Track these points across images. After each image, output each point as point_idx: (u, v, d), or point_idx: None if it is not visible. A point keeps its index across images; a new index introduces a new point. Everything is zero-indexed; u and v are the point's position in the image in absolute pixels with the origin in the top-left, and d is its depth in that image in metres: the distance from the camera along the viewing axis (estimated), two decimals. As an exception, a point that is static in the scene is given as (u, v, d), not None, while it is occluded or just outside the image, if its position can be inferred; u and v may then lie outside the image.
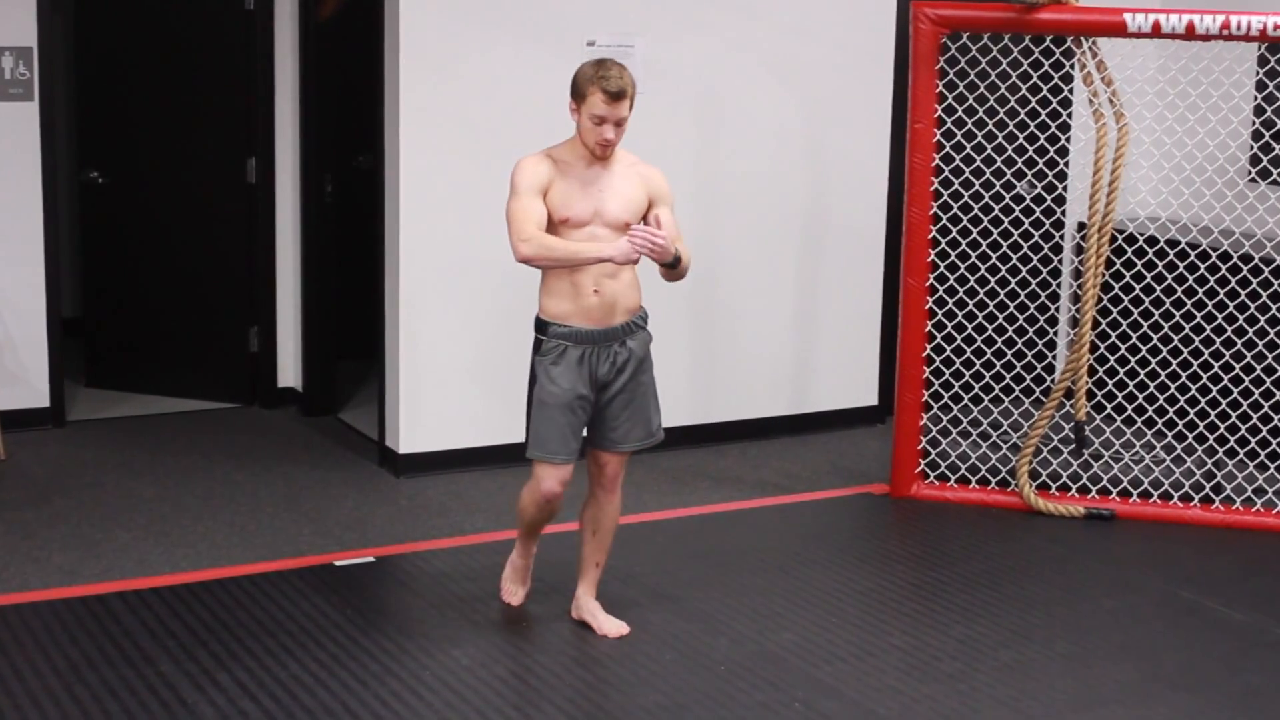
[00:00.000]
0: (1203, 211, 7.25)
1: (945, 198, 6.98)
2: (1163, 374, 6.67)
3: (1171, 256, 6.79)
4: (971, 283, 7.11)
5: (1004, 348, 6.85)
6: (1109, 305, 7.12)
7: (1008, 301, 7.02)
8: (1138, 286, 6.81)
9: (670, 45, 6.67)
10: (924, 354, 6.32)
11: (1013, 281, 7.08)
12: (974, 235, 6.86)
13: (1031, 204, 7.17)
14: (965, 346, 6.95)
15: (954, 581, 5.43)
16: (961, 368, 6.78)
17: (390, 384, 6.47)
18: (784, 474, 6.70)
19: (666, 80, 6.63)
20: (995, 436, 6.53)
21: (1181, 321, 6.90)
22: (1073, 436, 6.38)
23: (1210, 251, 6.83)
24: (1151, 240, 7.22)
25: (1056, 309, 7.78)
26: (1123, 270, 7.02)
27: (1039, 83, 6.91)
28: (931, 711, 4.40)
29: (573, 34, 6.43)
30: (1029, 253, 7.18)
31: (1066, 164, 7.52)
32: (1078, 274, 6.66)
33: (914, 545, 5.90)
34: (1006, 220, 6.91)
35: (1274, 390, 6.58)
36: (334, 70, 7.16)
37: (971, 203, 7.08)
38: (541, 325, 4.65)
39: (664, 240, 4.41)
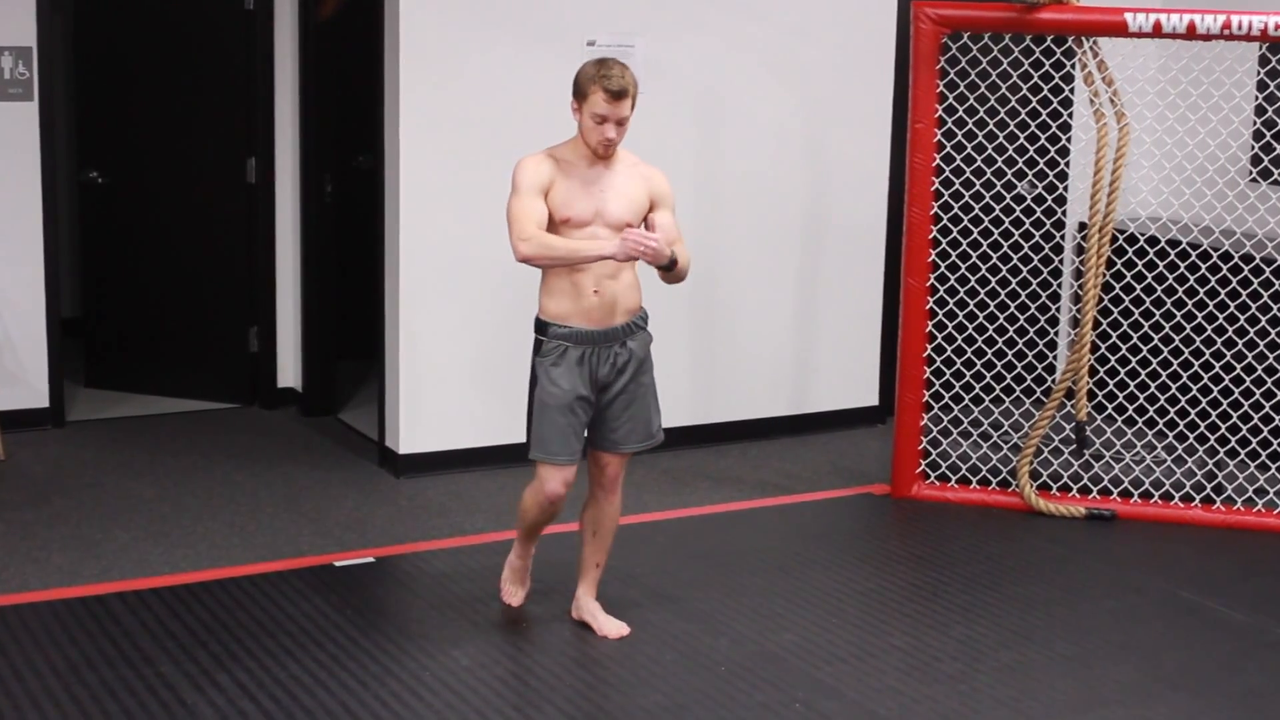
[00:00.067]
0: (1204, 211, 7.24)
1: (946, 198, 6.97)
2: (1163, 374, 6.66)
3: (1172, 256, 6.79)
4: (972, 283, 7.11)
5: (1005, 348, 6.84)
6: (1110, 305, 7.12)
7: (1008, 302, 7.02)
8: (1138, 287, 6.81)
9: (670, 45, 6.67)
10: (924, 354, 6.32)
11: (1013, 282, 7.07)
12: (975, 235, 6.86)
13: (1032, 204, 7.17)
14: (966, 347, 6.94)
15: (954, 582, 5.43)
16: (962, 368, 6.77)
17: (390, 384, 6.46)
18: (784, 474, 6.69)
19: (666, 80, 6.63)
20: (996, 437, 6.52)
21: (1182, 322, 6.90)
22: (1073, 437, 6.38)
23: (1211, 251, 6.83)
24: (1152, 240, 7.22)
25: (1057, 309, 7.77)
26: (1123, 270, 7.01)
27: (1040, 83, 6.91)
28: (932, 712, 4.39)
29: (573, 34, 6.42)
30: (1030, 253, 7.17)
31: (1067, 164, 7.51)
32: (1078, 274, 6.65)
33: (914, 546, 5.90)
34: (1007, 220, 6.90)
35: (1275, 390, 6.58)
36: (334, 70, 7.16)
37: (972, 203, 7.08)
38: (541, 326, 4.64)
39: (656, 243, 4.38)
